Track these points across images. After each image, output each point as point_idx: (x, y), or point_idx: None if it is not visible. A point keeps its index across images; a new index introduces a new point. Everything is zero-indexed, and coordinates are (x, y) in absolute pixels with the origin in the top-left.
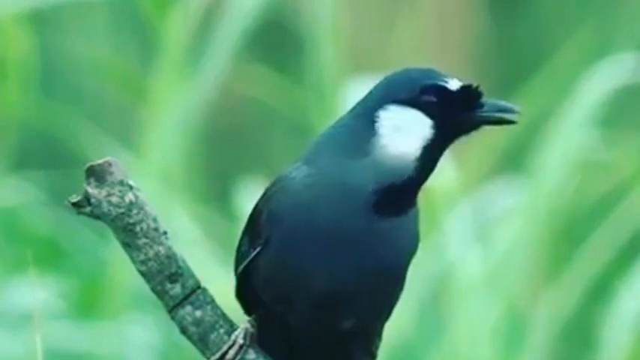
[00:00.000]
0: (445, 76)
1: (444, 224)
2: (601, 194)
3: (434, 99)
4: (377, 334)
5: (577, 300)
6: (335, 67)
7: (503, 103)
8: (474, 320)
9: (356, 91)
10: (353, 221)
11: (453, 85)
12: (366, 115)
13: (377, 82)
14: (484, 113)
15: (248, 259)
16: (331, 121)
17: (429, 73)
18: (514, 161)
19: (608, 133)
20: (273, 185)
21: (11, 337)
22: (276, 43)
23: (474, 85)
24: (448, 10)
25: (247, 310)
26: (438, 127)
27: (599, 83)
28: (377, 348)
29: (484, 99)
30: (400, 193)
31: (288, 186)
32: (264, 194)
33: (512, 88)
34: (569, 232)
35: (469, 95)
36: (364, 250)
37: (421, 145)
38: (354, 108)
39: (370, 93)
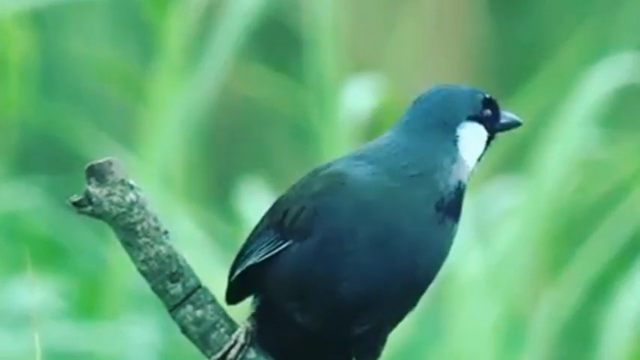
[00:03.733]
0: (479, 90)
1: None
2: (601, 194)
3: (490, 112)
4: (386, 336)
5: (577, 300)
6: (335, 67)
7: (511, 114)
8: (473, 320)
9: (356, 91)
10: (420, 221)
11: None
12: (441, 128)
13: (378, 82)
14: (505, 121)
15: (273, 251)
16: (331, 121)
17: (471, 88)
18: (514, 161)
19: (608, 133)
20: (314, 178)
21: (10, 337)
22: (277, 42)
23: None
24: (448, 11)
25: (232, 301)
26: (489, 138)
27: (599, 83)
28: (382, 348)
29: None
30: (460, 200)
31: (349, 183)
32: (301, 186)
33: (513, 88)
34: (569, 232)
35: (497, 106)
36: (415, 254)
37: (477, 157)
38: (411, 122)
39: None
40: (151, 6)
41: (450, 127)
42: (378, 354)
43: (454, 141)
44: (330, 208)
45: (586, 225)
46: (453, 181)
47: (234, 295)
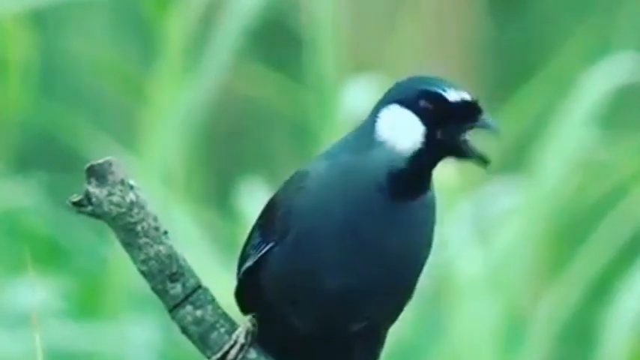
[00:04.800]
0: (450, 86)
1: (444, 224)
2: (601, 194)
3: (430, 106)
4: (384, 335)
5: (577, 300)
6: (335, 67)
7: (488, 120)
8: (474, 320)
9: (356, 91)
10: (369, 206)
11: (453, 96)
12: (372, 114)
13: (378, 82)
14: (464, 146)
15: (260, 254)
16: (331, 121)
17: (435, 80)
18: (514, 161)
19: (608, 133)
20: (291, 180)
21: (10, 337)
22: (277, 42)
23: (475, 100)
24: (448, 11)
25: (244, 309)
26: (429, 137)
27: (599, 83)
28: (381, 349)
29: (484, 116)
30: (400, 181)
31: (308, 180)
32: (283, 188)
33: (513, 88)
34: (569, 232)
35: (468, 110)
36: (381, 237)
37: (412, 149)
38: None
39: (383, 95)
40: (151, 6)
41: (376, 110)
42: (376, 355)
43: (374, 122)
44: (299, 207)
45: (586, 225)
46: (381, 163)
47: (243, 302)
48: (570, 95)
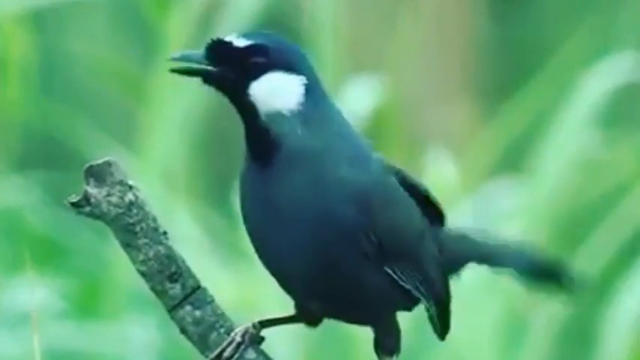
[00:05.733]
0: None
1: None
2: (601, 194)
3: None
4: (382, 334)
5: (577, 300)
6: (335, 67)
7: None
8: (474, 320)
9: (356, 91)
10: (247, 176)
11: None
12: None
13: (378, 82)
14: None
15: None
16: None
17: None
18: (514, 161)
19: (608, 133)
20: None
21: (10, 337)
22: None
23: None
24: (448, 10)
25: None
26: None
27: (599, 83)
28: (388, 341)
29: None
30: (248, 136)
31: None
32: None
33: (513, 88)
34: (569, 232)
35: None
36: (262, 203)
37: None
38: None
39: None
40: (151, 6)
41: None
42: (385, 346)
43: None
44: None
45: (586, 225)
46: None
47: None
48: (570, 95)
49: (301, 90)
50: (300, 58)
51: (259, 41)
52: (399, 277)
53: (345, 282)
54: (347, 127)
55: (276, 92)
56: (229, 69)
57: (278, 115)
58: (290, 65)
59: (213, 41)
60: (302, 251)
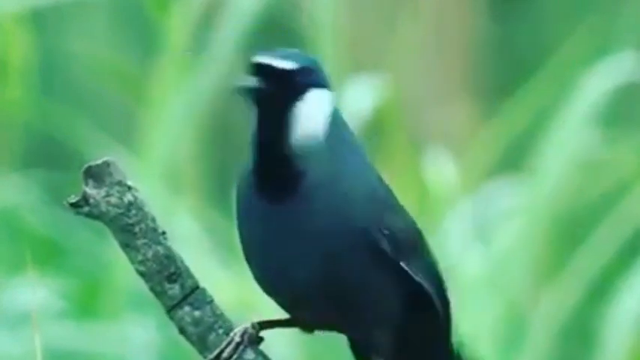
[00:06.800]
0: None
1: (444, 224)
2: (601, 193)
3: None
4: (379, 334)
5: (577, 300)
6: (335, 67)
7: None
8: (474, 320)
9: (356, 91)
10: (247, 204)
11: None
12: None
13: (378, 82)
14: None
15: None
16: None
17: None
18: (514, 161)
19: (608, 133)
20: None
21: (10, 337)
22: (277, 42)
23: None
24: (448, 10)
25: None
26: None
27: (600, 82)
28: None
29: None
30: (265, 170)
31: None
32: None
33: (513, 88)
34: (569, 232)
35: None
36: (263, 236)
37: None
38: None
39: None
40: (151, 6)
41: None
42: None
43: None
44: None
45: (586, 225)
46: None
47: None
48: (570, 95)
49: (329, 106)
50: (324, 71)
51: (302, 62)
52: (414, 272)
53: (350, 284)
54: (356, 143)
55: (313, 112)
56: (280, 90)
57: (308, 139)
58: (324, 82)
59: (259, 64)
60: (314, 260)
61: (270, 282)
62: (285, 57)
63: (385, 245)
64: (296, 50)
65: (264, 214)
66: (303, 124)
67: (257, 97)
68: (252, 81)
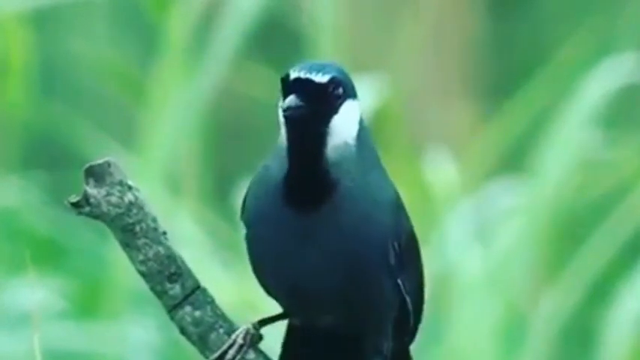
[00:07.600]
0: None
1: (444, 224)
2: (602, 194)
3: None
4: (378, 338)
5: (577, 300)
6: None
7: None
8: (474, 320)
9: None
10: (270, 214)
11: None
12: None
13: (378, 82)
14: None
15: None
16: None
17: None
18: (514, 161)
19: (608, 133)
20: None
21: (10, 337)
22: (277, 42)
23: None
24: (448, 10)
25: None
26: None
27: (600, 83)
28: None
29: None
30: (300, 182)
31: (250, 183)
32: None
33: (513, 88)
34: (569, 232)
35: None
36: (288, 244)
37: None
38: None
39: None
40: (151, 6)
41: None
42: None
43: None
44: (246, 208)
45: (587, 225)
46: (278, 170)
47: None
48: (571, 95)
49: (358, 114)
50: (351, 80)
51: (335, 73)
52: (405, 291)
53: (368, 292)
54: (376, 149)
55: (347, 122)
56: (320, 105)
57: (342, 149)
58: (354, 91)
59: (295, 80)
60: (337, 268)
61: (285, 288)
62: (319, 70)
63: (392, 259)
64: (327, 61)
65: (289, 223)
66: (338, 135)
67: (299, 115)
68: (294, 101)
